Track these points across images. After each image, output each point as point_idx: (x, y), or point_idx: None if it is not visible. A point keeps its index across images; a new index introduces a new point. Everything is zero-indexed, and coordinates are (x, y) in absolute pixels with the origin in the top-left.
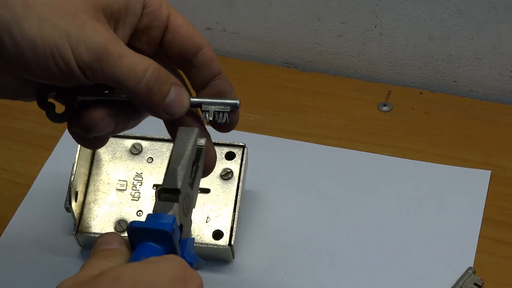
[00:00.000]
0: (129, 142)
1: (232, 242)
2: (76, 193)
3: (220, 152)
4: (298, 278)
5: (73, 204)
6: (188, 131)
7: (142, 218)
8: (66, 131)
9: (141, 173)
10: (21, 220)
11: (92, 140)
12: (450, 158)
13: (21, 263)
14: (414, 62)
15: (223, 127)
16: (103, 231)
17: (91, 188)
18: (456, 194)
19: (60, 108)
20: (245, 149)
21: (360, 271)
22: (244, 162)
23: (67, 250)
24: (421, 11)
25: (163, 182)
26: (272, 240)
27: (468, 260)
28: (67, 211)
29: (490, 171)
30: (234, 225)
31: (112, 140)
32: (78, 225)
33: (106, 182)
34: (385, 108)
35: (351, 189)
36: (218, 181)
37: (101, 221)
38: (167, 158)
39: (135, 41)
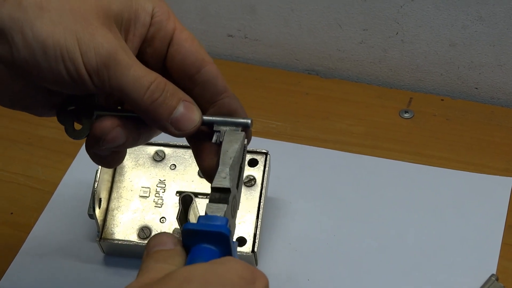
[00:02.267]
0: (152, 149)
1: (255, 249)
2: (100, 200)
3: None
4: (320, 284)
5: (97, 211)
6: (236, 135)
7: (166, 225)
8: None
9: (164, 180)
10: (44, 227)
11: (106, 157)
12: (472, 165)
13: (44, 270)
14: (436, 68)
15: None
16: (127, 238)
17: (114, 195)
18: (478, 201)
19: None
20: (268, 156)
21: (382, 277)
22: (267, 169)
23: (91, 257)
24: (442, 18)
25: (214, 181)
26: (295, 247)
27: (491, 267)
28: (91, 218)
29: None
30: (257, 232)
31: (135, 147)
32: (102, 232)
33: (129, 189)
34: (406, 115)
35: (372, 195)
36: (241, 188)
37: (125, 228)
38: (190, 165)
39: (140, 53)
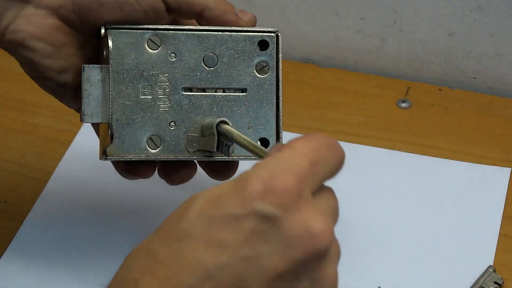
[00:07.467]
0: (144, 36)
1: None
2: None
3: (251, 41)
4: None
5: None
6: None
7: (176, 130)
8: (83, 125)
9: (166, 75)
10: (38, 216)
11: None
12: (469, 155)
13: (38, 259)
14: (434, 58)
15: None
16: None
17: None
18: (476, 192)
19: None
20: (279, 36)
21: (378, 268)
22: (280, 50)
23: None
24: (441, 7)
25: None
26: None
27: (488, 258)
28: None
29: (510, 169)
30: (280, 125)
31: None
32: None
33: None
34: (404, 105)
35: (369, 186)
36: (254, 78)
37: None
38: (193, 52)
39: None
